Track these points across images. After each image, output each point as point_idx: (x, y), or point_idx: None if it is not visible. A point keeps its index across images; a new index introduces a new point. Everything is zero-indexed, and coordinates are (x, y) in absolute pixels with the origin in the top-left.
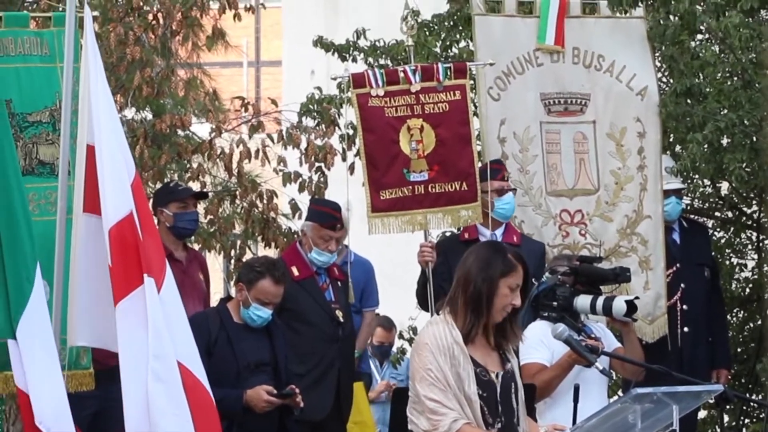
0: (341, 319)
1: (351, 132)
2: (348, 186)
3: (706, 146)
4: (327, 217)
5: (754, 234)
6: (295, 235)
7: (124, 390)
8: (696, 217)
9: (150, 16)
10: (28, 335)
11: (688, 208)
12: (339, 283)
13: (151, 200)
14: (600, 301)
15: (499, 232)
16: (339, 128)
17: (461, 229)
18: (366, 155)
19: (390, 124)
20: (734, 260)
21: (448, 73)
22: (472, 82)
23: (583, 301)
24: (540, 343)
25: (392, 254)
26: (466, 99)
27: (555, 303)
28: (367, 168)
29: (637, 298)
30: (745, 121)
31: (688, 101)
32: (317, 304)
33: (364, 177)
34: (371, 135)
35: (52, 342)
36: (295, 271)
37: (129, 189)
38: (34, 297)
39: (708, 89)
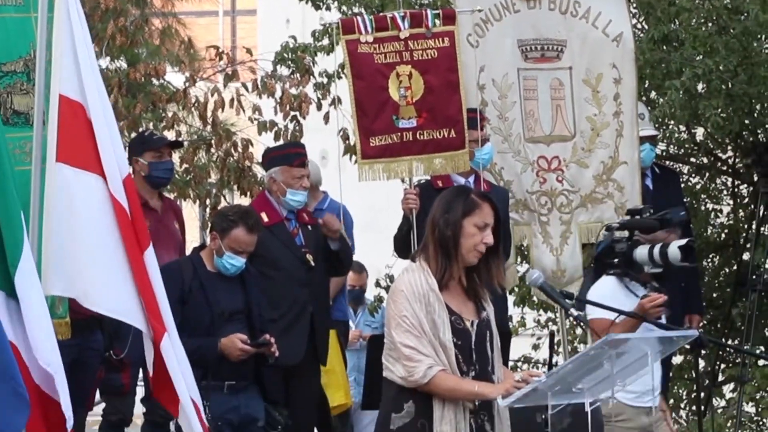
0: (312, 263)
1: (325, 81)
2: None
3: (682, 92)
4: (294, 156)
5: (730, 179)
6: (260, 187)
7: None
8: (669, 163)
9: None
10: (27, 286)
11: (663, 154)
12: (309, 227)
13: (127, 149)
14: (656, 249)
15: (470, 180)
16: (314, 77)
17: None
18: (356, 102)
19: (379, 70)
20: (710, 206)
21: (437, 19)
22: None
23: (641, 252)
24: (610, 299)
25: (369, 201)
26: (454, 45)
27: (615, 260)
28: (356, 115)
29: (691, 240)
30: (721, 67)
31: (665, 48)
32: (287, 249)
33: (354, 124)
34: (361, 81)
35: (41, 292)
36: (264, 217)
37: (120, 140)
38: (26, 249)
39: (684, 35)
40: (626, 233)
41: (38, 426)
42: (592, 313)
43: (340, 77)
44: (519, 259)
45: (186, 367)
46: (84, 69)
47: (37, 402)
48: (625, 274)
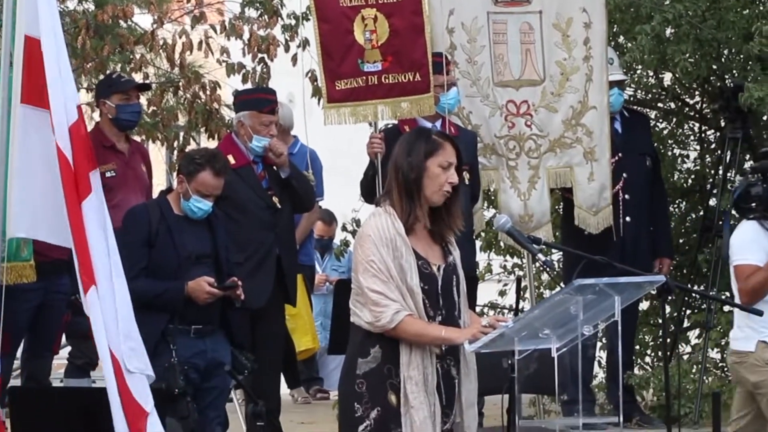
0: (279, 206)
1: (293, 23)
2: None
3: (651, 37)
4: (264, 102)
5: (697, 125)
6: (228, 130)
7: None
8: (638, 108)
9: None
10: None
11: (631, 99)
12: (275, 169)
13: (94, 92)
14: None
15: (437, 124)
16: (282, 19)
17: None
18: (321, 45)
19: (344, 13)
20: (677, 151)
21: None
22: None
23: None
24: (752, 243)
25: (336, 145)
26: None
27: (753, 204)
28: (322, 58)
29: None
30: (690, 12)
31: None
32: (254, 192)
33: (319, 68)
34: (326, 24)
35: None
36: (231, 159)
37: (74, 84)
38: None
39: None
40: (760, 176)
41: None
42: (736, 258)
43: (308, 19)
44: (486, 204)
45: (111, 320)
46: (41, 5)
47: None
48: (763, 216)
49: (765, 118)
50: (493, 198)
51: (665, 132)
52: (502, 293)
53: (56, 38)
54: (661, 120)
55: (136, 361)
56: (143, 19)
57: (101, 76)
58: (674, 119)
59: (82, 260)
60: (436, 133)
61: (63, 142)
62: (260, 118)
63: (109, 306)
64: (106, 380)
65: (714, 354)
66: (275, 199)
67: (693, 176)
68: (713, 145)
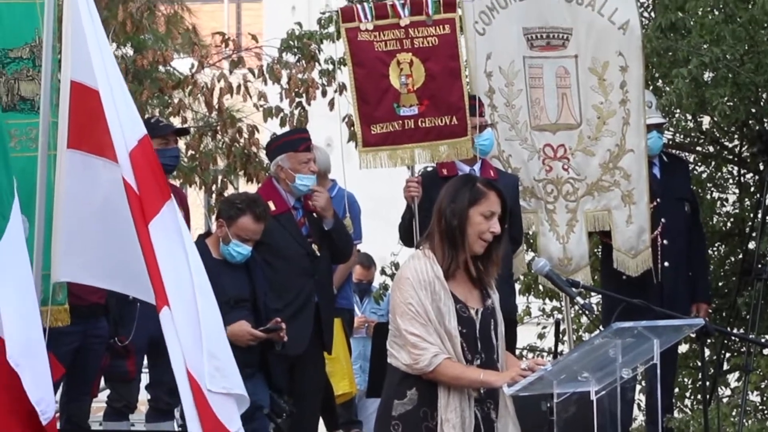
0: (317, 253)
1: (331, 68)
2: (340, 122)
3: (689, 81)
4: (299, 141)
5: (735, 168)
6: (266, 173)
7: (174, 308)
8: (676, 152)
9: None
10: (3, 270)
11: (669, 142)
12: (315, 216)
13: None
14: None
15: (476, 167)
16: (319, 64)
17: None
18: (356, 90)
19: (379, 58)
20: (715, 194)
21: (438, 6)
22: (461, 14)
23: None
24: None
25: (375, 189)
26: (455, 33)
27: None
28: (357, 102)
29: None
30: (728, 56)
31: (672, 36)
32: (293, 239)
33: (355, 112)
34: (361, 69)
35: (29, 277)
36: (271, 205)
37: (138, 117)
38: (11, 232)
39: (691, 23)
40: None
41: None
42: None
43: (345, 64)
44: (525, 247)
45: (191, 339)
46: (94, 51)
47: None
48: None
49: None
50: (531, 241)
51: (704, 175)
52: (540, 336)
53: (111, 80)
54: (699, 163)
55: (222, 380)
56: (181, 64)
57: None
58: (713, 162)
59: (154, 280)
60: (482, 182)
61: (126, 171)
62: (298, 157)
63: (188, 325)
64: (182, 402)
65: (753, 397)
66: (315, 246)
67: (732, 219)
68: (752, 189)
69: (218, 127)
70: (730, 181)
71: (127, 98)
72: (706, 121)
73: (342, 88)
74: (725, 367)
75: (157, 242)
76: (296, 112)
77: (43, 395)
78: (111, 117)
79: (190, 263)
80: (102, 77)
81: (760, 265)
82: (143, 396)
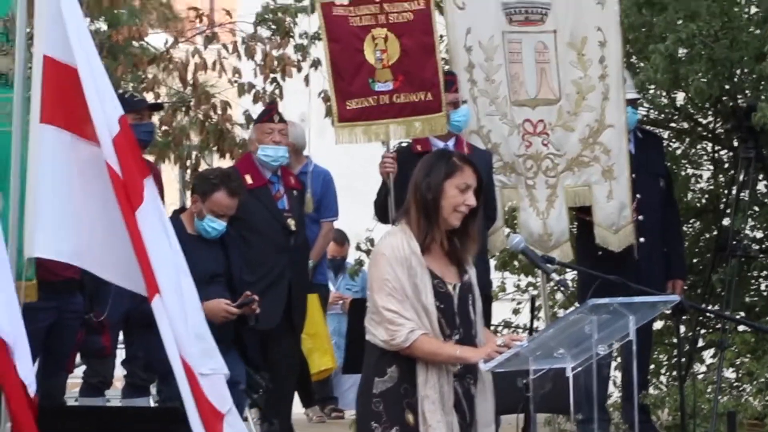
0: (293, 228)
1: (305, 43)
2: (314, 98)
3: (665, 56)
4: (262, 113)
5: (710, 144)
6: (239, 149)
7: (163, 291)
8: (651, 128)
9: None
10: None
11: (644, 119)
12: (294, 192)
13: None
14: None
15: (450, 143)
16: (293, 39)
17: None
18: (331, 65)
19: (354, 33)
20: (690, 171)
21: None
22: None
23: None
24: None
25: (350, 165)
26: (429, 8)
27: None
28: (333, 77)
29: None
30: (703, 32)
31: (648, 12)
32: (269, 213)
33: (330, 87)
34: (336, 45)
35: (3, 252)
36: (248, 179)
37: (116, 99)
38: None
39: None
40: None
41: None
42: None
43: (319, 39)
44: (502, 224)
45: (180, 324)
46: (70, 28)
47: None
48: None
49: None
50: (506, 217)
51: (678, 152)
52: (515, 312)
53: (90, 59)
54: (674, 140)
55: (210, 361)
56: (155, 39)
57: None
58: (687, 139)
59: (144, 269)
60: (457, 156)
61: (109, 156)
62: (262, 128)
63: (177, 310)
64: (180, 388)
65: (729, 373)
66: (290, 222)
67: (706, 196)
68: (726, 165)
69: (192, 103)
70: (705, 157)
71: (105, 77)
72: (680, 97)
73: (317, 63)
74: (700, 343)
75: (145, 229)
76: (270, 88)
77: (28, 369)
78: (91, 98)
79: (171, 244)
80: (81, 56)
81: (734, 242)
82: (119, 372)
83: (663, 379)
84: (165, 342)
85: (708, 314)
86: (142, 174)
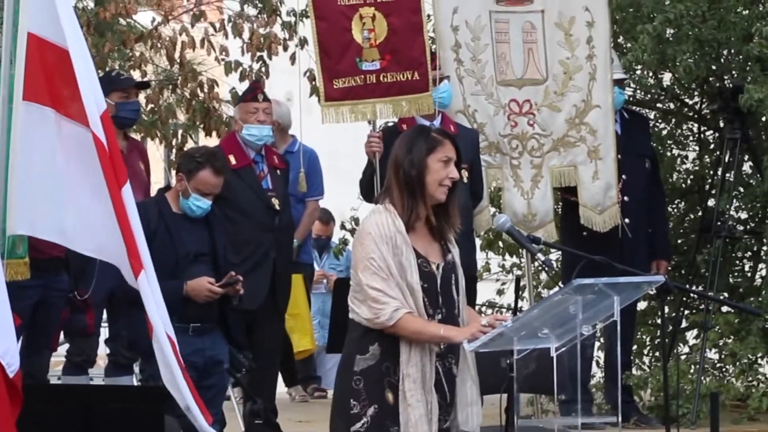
0: (277, 208)
1: (293, 20)
2: (301, 76)
3: (653, 37)
4: (246, 92)
5: (696, 125)
6: (225, 127)
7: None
8: (637, 109)
9: None
10: None
11: (630, 99)
12: (278, 171)
13: None
14: None
15: (436, 122)
16: (280, 17)
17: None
18: (318, 43)
19: (342, 12)
20: (675, 151)
21: None
22: None
23: None
24: None
25: (335, 144)
26: None
27: None
28: (319, 56)
29: None
30: (690, 12)
31: None
32: (253, 193)
33: (317, 66)
34: (323, 23)
35: None
36: (232, 159)
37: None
38: None
39: None
40: None
41: None
42: None
43: (306, 17)
44: (487, 203)
45: (162, 304)
46: (60, 5)
47: None
48: None
49: (764, 119)
50: (492, 197)
51: (664, 132)
52: (500, 292)
53: (75, 33)
54: (660, 120)
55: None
56: (142, 17)
57: (100, 74)
58: (673, 120)
59: (129, 245)
60: (435, 131)
61: (97, 130)
62: (246, 107)
63: (157, 290)
64: (166, 360)
65: (712, 354)
66: (275, 201)
67: (692, 177)
68: (712, 146)
69: (179, 81)
70: (691, 138)
71: (89, 57)
72: (667, 78)
73: (304, 42)
74: (684, 324)
75: (129, 207)
76: (257, 66)
77: (8, 347)
78: (81, 77)
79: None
80: (70, 35)
81: (719, 223)
82: (102, 350)
83: (646, 359)
84: (150, 317)
85: (692, 295)
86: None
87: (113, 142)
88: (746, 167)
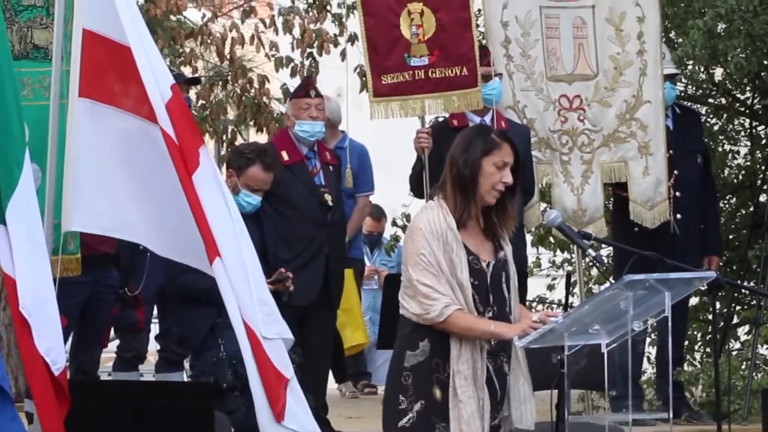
0: (330, 203)
1: (343, 12)
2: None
3: (704, 32)
4: (298, 88)
5: (747, 120)
6: (276, 123)
7: (226, 259)
8: (689, 104)
9: None
10: (17, 220)
11: (682, 94)
12: (330, 167)
13: None
14: None
15: (487, 117)
16: (330, 11)
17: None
18: (367, 39)
19: (390, 7)
20: (727, 147)
21: None
22: None
23: None
24: None
25: (386, 140)
26: None
27: None
28: (368, 52)
29: None
30: (742, 7)
31: None
32: (306, 189)
33: (366, 62)
34: (372, 19)
35: (39, 226)
36: (284, 155)
37: (165, 67)
38: (23, 181)
39: None
40: None
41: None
42: None
43: (356, 8)
44: (538, 199)
45: (243, 288)
46: (121, 6)
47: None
48: None
49: None
50: (546, 192)
51: (716, 128)
52: (550, 288)
53: (136, 25)
54: (711, 116)
55: (273, 326)
56: (192, 14)
57: None
58: (725, 115)
59: (203, 232)
60: (496, 132)
61: (164, 122)
62: (297, 103)
63: (240, 274)
64: (242, 351)
65: (763, 350)
66: (327, 197)
67: (743, 172)
68: (764, 141)
69: (229, 77)
70: (742, 133)
71: (155, 48)
72: (718, 73)
73: (354, 38)
74: (735, 320)
75: (202, 193)
76: (307, 62)
77: (53, 345)
78: (144, 70)
79: (230, 210)
80: (130, 29)
81: None
82: (153, 346)
83: (697, 355)
84: (227, 305)
85: (743, 290)
86: (197, 139)
87: (181, 129)
88: None
